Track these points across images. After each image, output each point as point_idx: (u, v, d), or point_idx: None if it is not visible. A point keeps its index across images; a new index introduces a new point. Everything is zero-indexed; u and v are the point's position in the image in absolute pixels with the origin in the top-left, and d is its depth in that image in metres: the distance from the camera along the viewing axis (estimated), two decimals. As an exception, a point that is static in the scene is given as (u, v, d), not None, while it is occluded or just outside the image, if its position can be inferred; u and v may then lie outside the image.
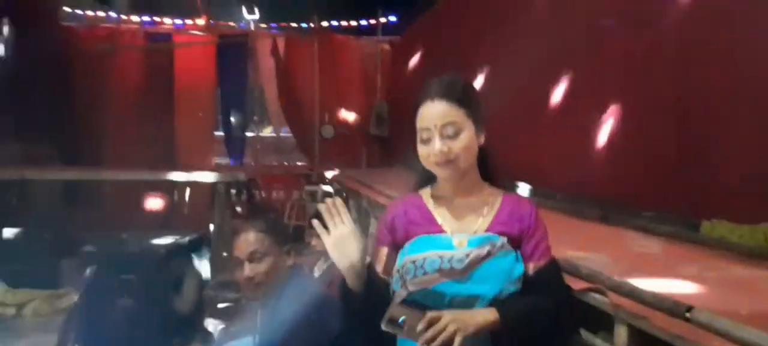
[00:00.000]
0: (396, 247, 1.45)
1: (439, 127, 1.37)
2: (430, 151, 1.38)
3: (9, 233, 5.46)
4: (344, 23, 8.56)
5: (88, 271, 3.76)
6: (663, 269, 1.77)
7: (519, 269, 1.37)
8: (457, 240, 1.38)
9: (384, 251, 1.46)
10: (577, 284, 1.54)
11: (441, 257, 1.35)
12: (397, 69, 7.48)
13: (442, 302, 1.33)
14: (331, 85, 7.77)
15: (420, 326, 1.26)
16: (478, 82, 4.48)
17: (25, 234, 5.43)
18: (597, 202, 2.78)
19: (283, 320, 1.89)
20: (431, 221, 1.43)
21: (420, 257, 1.37)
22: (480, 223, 1.41)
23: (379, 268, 1.45)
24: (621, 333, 1.39)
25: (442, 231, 1.41)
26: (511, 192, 1.50)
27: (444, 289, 1.34)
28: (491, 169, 1.48)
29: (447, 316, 1.27)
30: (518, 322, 1.31)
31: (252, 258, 1.91)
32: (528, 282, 1.37)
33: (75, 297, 4.01)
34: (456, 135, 1.36)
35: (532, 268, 1.38)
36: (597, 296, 1.49)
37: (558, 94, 3.54)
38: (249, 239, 1.92)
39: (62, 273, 5.28)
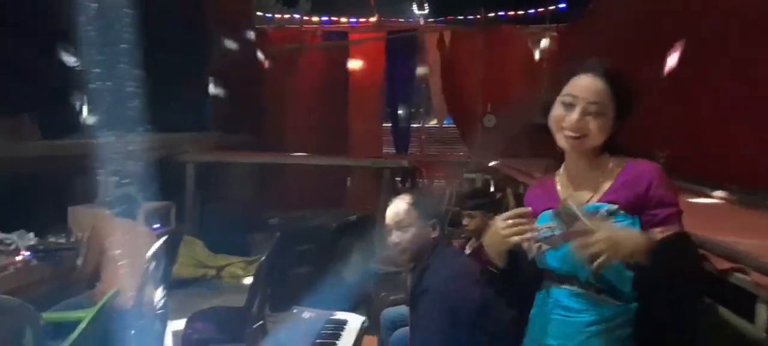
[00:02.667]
0: None
1: (586, 100, 1.38)
2: (566, 117, 1.40)
3: (210, 207, 6.34)
4: (511, 13, 8.51)
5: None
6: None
7: None
8: None
9: None
10: (721, 265, 1.50)
11: (550, 228, 1.40)
12: (565, 56, 7.26)
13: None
14: (495, 75, 7.81)
15: (575, 226, 1.29)
16: (653, 70, 4.26)
17: (223, 209, 6.28)
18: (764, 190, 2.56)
19: (428, 286, 2.07)
20: (553, 197, 1.48)
21: (537, 230, 1.44)
22: (594, 193, 1.43)
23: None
24: (762, 312, 1.34)
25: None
26: (638, 159, 1.46)
27: (548, 258, 1.41)
28: (623, 144, 1.46)
29: (602, 234, 1.26)
30: (667, 262, 1.28)
31: (398, 226, 2.12)
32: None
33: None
34: (597, 115, 1.38)
35: (658, 234, 1.35)
36: (740, 275, 1.44)
37: (739, 84, 3.25)
38: (397, 209, 2.13)
39: (253, 243, 6.05)
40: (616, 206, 1.38)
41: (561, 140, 1.42)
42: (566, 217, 1.32)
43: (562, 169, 1.53)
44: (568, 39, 7.47)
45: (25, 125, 4.30)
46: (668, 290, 1.32)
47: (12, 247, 3.62)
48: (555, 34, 7.81)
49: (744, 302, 1.44)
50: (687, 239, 1.38)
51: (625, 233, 1.30)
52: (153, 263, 2.65)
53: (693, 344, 1.39)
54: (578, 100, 1.40)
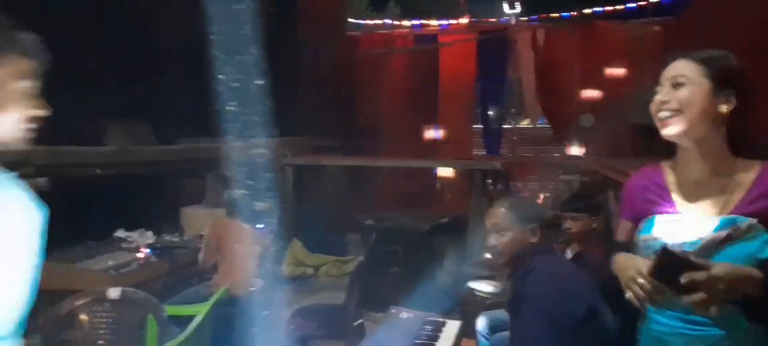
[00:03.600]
0: (635, 220, 1.43)
1: (668, 79, 1.34)
2: (653, 105, 1.35)
3: (306, 208, 6.58)
4: (609, 8, 8.14)
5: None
6: None
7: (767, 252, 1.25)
8: (695, 223, 1.30)
9: (625, 223, 1.47)
10: None
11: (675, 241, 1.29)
12: (671, 52, 6.85)
13: None
14: (593, 73, 7.52)
15: (683, 280, 1.19)
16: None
17: (319, 210, 6.49)
18: None
19: (529, 293, 2.04)
20: (668, 199, 1.37)
21: (650, 238, 1.34)
22: (724, 203, 1.30)
23: (621, 238, 1.47)
24: None
25: (677, 211, 1.34)
26: None
27: None
28: (751, 144, 1.36)
29: (718, 269, 1.18)
30: None
31: (496, 229, 2.10)
32: None
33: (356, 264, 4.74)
34: (681, 86, 1.32)
35: None
36: None
37: None
38: (496, 213, 2.12)
39: (347, 243, 6.21)
40: (755, 221, 1.26)
41: (663, 130, 1.34)
42: (669, 264, 1.21)
43: (673, 164, 1.41)
44: (675, 34, 7.04)
45: (141, 130, 4.68)
46: None
47: (133, 245, 3.95)
48: (658, 29, 7.39)
49: None
50: None
51: (739, 271, 1.21)
52: (262, 261, 2.80)
53: None
54: (663, 84, 1.36)
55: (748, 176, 1.33)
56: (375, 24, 8.96)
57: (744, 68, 1.38)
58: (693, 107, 1.30)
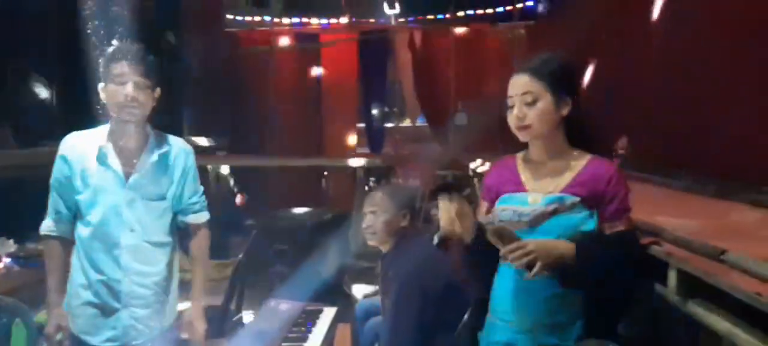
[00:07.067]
0: (492, 201, 1.71)
1: (519, 96, 1.59)
2: (511, 117, 1.62)
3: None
4: (481, 11, 8.65)
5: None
6: (740, 233, 1.87)
7: (589, 225, 1.55)
8: (531, 198, 1.61)
9: (484, 205, 1.75)
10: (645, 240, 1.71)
11: (514, 211, 1.60)
12: (534, 54, 7.45)
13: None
14: (466, 74, 7.97)
15: (507, 248, 1.50)
16: (621, 65, 4.44)
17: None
18: (716, 178, 2.76)
19: (397, 271, 2.25)
20: (517, 181, 1.67)
21: (499, 209, 1.65)
22: (557, 183, 1.60)
23: (480, 217, 1.72)
24: (672, 276, 1.57)
25: (523, 190, 1.64)
26: (600, 157, 1.64)
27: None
28: (585, 135, 1.65)
29: (532, 244, 1.48)
30: (590, 263, 1.50)
31: (372, 211, 2.34)
32: (603, 240, 1.54)
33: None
34: (532, 104, 1.58)
35: (607, 228, 1.56)
36: (656, 247, 1.66)
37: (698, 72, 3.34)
38: (373, 197, 2.36)
39: (230, 246, 6.14)
40: (578, 199, 1.56)
41: (518, 136, 1.63)
42: (502, 237, 1.51)
43: (524, 154, 1.71)
44: (536, 37, 7.69)
45: (1, 134, 4.36)
46: (614, 276, 1.52)
47: (-5, 254, 3.68)
48: (522, 32, 8.02)
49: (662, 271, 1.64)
50: (633, 235, 1.60)
51: (552, 243, 1.51)
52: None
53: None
54: (513, 98, 1.62)
55: (579, 163, 1.63)
56: (255, 21, 8.82)
57: (576, 70, 1.69)
58: (543, 120, 1.59)
